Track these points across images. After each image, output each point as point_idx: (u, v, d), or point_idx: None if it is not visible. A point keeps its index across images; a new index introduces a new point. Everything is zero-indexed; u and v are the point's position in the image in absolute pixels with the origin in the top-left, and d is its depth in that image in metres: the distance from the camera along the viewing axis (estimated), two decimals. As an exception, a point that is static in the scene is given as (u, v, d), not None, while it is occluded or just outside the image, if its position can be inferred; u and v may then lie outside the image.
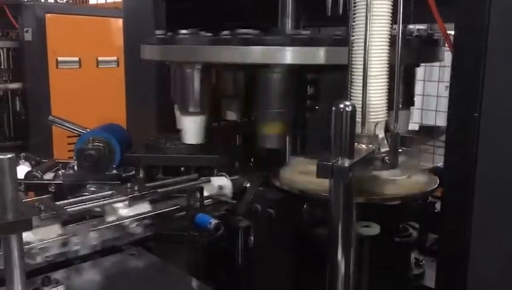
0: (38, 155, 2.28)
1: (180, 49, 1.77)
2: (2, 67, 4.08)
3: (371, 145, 1.43)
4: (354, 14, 1.44)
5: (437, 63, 3.19)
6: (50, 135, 3.85)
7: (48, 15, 3.77)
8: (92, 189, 1.77)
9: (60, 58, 3.86)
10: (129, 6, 2.67)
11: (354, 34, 1.45)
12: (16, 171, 1.01)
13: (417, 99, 2.05)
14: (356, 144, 1.41)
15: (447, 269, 1.48)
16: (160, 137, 1.99)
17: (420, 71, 1.93)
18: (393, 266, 1.69)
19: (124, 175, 1.84)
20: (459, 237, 1.41)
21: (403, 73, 1.66)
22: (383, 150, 1.43)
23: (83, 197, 1.49)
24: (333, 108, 1.27)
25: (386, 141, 1.45)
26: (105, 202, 1.45)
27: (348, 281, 1.31)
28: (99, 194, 1.50)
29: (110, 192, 1.50)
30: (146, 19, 2.41)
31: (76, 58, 3.95)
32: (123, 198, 1.47)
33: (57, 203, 1.42)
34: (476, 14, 1.36)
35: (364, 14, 1.41)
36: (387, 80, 1.46)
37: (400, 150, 1.48)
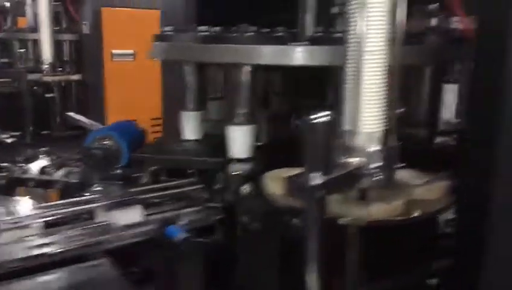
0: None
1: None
2: (65, 59, 4.26)
3: (360, 159, 1.27)
4: (350, 11, 1.28)
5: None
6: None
7: (103, 8, 3.85)
8: (97, 189, 1.77)
9: (114, 51, 3.93)
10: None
11: (349, 32, 1.29)
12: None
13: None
14: (345, 157, 1.28)
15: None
16: (167, 137, 1.95)
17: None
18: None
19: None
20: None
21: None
22: (373, 165, 1.27)
23: (65, 201, 1.47)
24: (306, 119, 1.14)
25: (380, 155, 1.28)
26: (82, 207, 1.41)
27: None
28: (80, 199, 1.47)
29: (91, 196, 1.47)
30: (180, 13, 2.40)
31: (131, 51, 4.00)
32: (104, 203, 1.44)
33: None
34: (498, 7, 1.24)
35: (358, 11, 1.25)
36: (385, 86, 1.28)
37: (396, 166, 1.30)
